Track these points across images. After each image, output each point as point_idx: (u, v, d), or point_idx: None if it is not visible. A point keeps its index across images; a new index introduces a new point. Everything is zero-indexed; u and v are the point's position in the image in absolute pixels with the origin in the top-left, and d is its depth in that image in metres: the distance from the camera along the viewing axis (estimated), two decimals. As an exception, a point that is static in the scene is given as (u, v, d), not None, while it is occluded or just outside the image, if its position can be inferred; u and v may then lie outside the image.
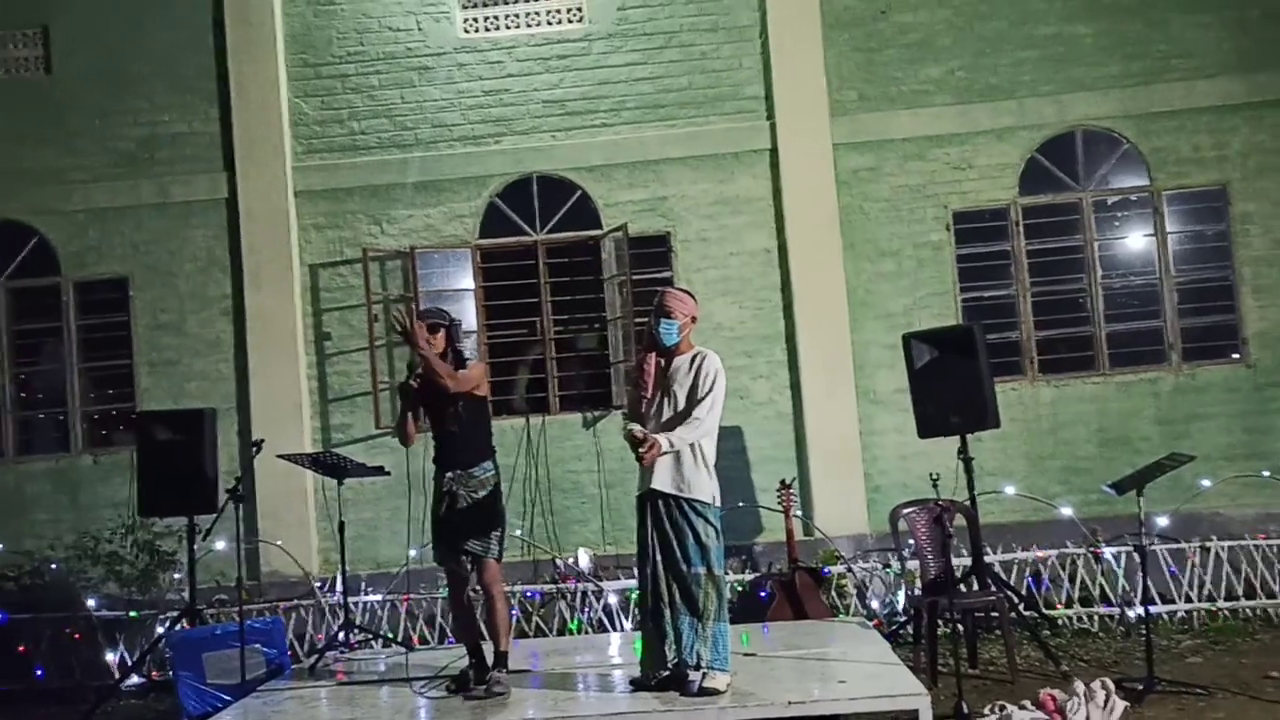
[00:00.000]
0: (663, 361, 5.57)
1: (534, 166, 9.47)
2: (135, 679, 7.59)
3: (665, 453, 5.36)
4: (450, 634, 7.87)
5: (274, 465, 7.83)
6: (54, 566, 8.74)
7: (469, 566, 5.86)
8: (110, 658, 7.86)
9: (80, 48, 9.64)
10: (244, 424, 9.28)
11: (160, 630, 7.72)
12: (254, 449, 6.89)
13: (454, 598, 6.04)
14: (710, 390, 5.43)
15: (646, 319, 5.70)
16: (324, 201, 9.52)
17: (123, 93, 9.60)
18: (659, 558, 5.46)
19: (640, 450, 5.36)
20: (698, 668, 5.38)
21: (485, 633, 6.02)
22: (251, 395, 9.31)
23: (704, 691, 5.30)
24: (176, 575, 8.46)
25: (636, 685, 5.57)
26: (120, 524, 8.63)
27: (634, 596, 7.30)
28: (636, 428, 5.45)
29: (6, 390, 9.68)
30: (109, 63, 9.61)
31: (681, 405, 5.47)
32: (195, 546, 7.32)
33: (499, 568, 5.86)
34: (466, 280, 9.48)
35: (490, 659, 5.82)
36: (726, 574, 6.37)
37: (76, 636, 7.98)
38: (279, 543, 8.72)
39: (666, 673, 5.46)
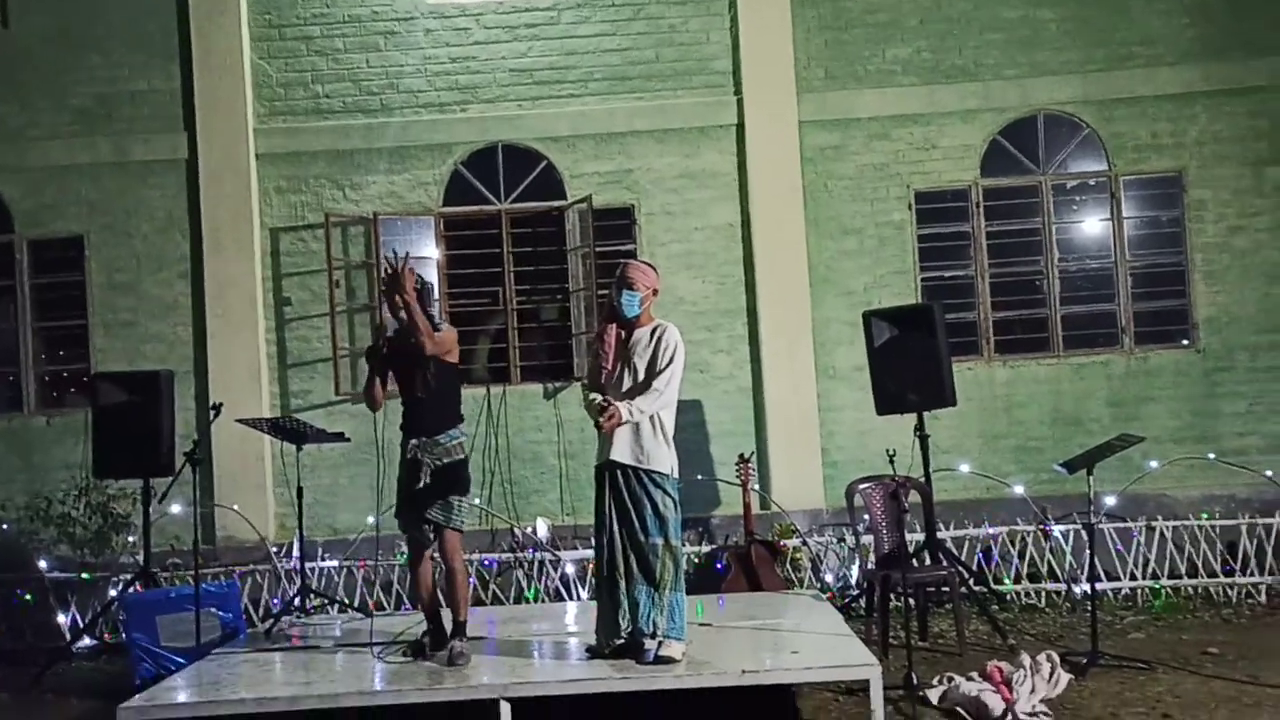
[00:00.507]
0: (623, 333, 5.60)
1: (499, 135, 9.42)
2: (87, 641, 7.55)
3: (625, 421, 5.40)
4: (406, 600, 7.89)
5: (232, 430, 7.79)
6: (4, 527, 8.66)
7: (430, 535, 5.86)
8: (62, 619, 7.81)
9: (38, 1, 9.43)
10: (201, 388, 9.19)
11: (113, 593, 7.67)
12: (212, 412, 6.85)
13: (414, 565, 6.03)
14: (670, 362, 5.48)
15: (609, 290, 5.72)
16: (286, 165, 9.41)
17: (81, 48, 9.42)
18: (617, 528, 5.51)
19: (601, 419, 5.40)
20: (654, 636, 5.44)
21: (444, 601, 6.03)
22: (209, 359, 9.22)
23: (660, 660, 5.37)
24: (130, 538, 8.42)
25: (592, 653, 5.63)
26: (73, 485, 8.54)
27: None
28: (599, 397, 5.49)
29: (-43, 349, 9.54)
30: (67, 17, 9.40)
31: (641, 377, 5.51)
32: (150, 509, 7.27)
33: (460, 538, 5.85)
34: (429, 248, 9.43)
35: (449, 627, 5.84)
36: (684, 545, 6.45)
37: (27, 598, 7.92)
38: (235, 507, 8.67)
39: (621, 641, 5.52)
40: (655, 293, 5.65)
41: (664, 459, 5.50)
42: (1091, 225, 9.51)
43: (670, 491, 5.51)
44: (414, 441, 5.78)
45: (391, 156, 9.39)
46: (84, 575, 7.98)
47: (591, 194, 9.24)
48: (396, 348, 5.79)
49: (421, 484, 5.73)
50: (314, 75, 9.42)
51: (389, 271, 5.68)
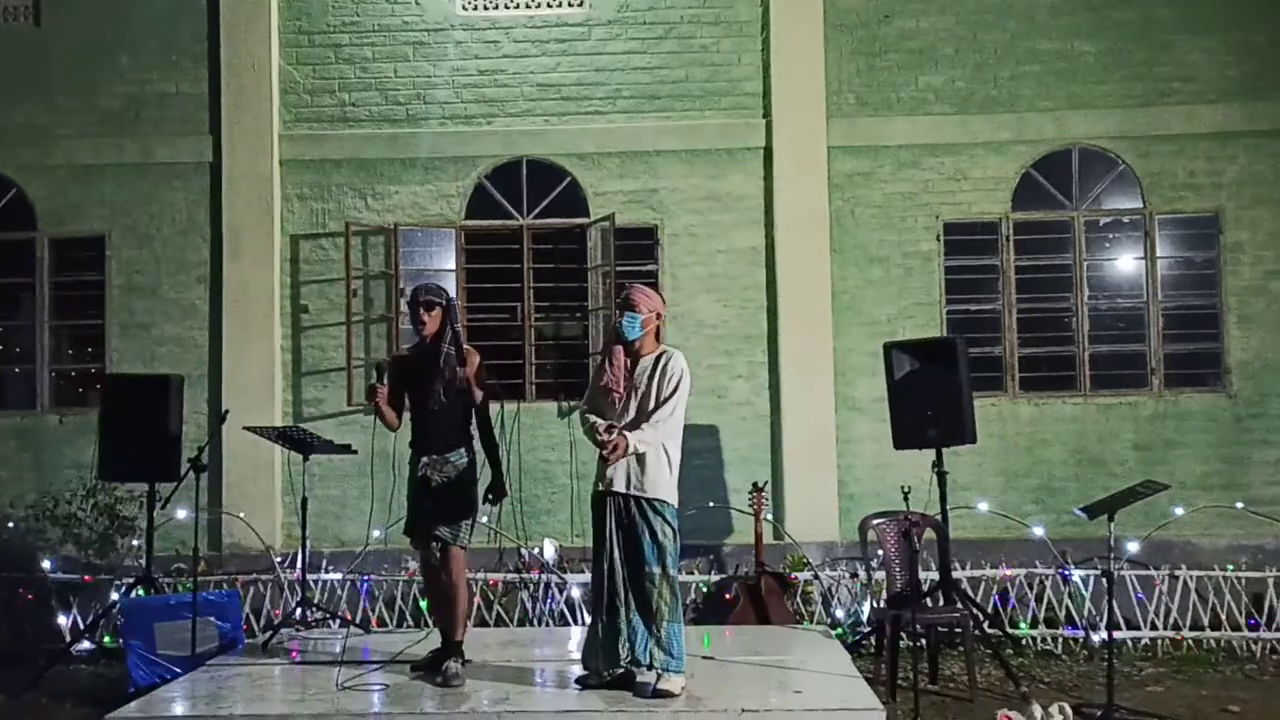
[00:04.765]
0: (627, 360, 5.50)
1: (524, 150, 9.35)
2: (86, 644, 7.48)
3: (630, 453, 5.30)
4: (409, 617, 7.79)
5: (242, 437, 7.74)
6: (11, 525, 8.63)
7: (437, 553, 5.80)
8: (63, 621, 7.74)
9: (70, 1, 9.46)
10: (214, 393, 9.13)
11: (115, 596, 7.60)
12: (220, 419, 6.78)
13: (427, 581, 6.06)
14: (674, 391, 5.38)
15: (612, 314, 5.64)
16: (309, 172, 9.37)
17: (111, 49, 9.43)
18: (615, 555, 5.40)
19: (605, 451, 5.30)
20: (651, 668, 5.31)
21: (438, 618, 5.96)
22: (224, 364, 9.16)
23: (658, 694, 5.25)
24: (135, 541, 8.34)
25: (583, 684, 5.50)
26: (81, 486, 8.48)
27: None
28: (602, 422, 5.39)
29: (-25, 344, 9.55)
30: (99, 17, 9.42)
31: (650, 405, 5.41)
32: (155, 514, 7.21)
33: (464, 556, 5.84)
34: (449, 261, 9.36)
35: (448, 647, 5.75)
36: (692, 574, 6.31)
37: (30, 597, 7.86)
38: (241, 515, 8.61)
39: (620, 670, 5.39)
40: (659, 318, 5.56)
41: (666, 488, 5.40)
42: (1124, 263, 9.31)
43: (670, 520, 5.40)
44: (424, 459, 5.83)
45: (415, 167, 9.34)
46: (87, 577, 7.92)
47: (615, 212, 9.14)
48: (411, 367, 5.87)
49: (430, 501, 5.74)
50: (341, 83, 9.39)
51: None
